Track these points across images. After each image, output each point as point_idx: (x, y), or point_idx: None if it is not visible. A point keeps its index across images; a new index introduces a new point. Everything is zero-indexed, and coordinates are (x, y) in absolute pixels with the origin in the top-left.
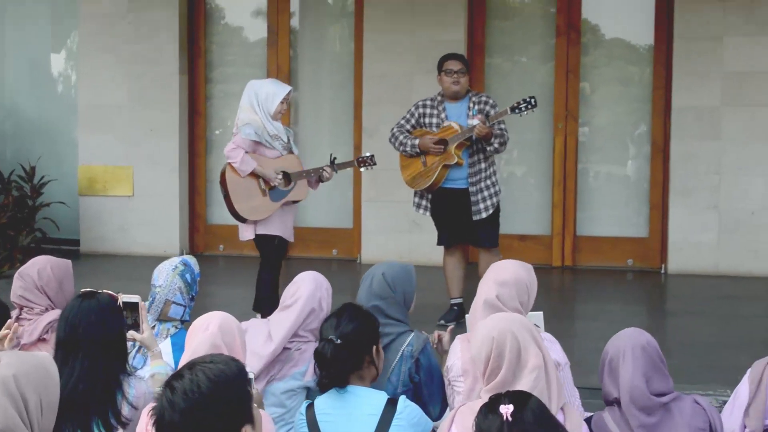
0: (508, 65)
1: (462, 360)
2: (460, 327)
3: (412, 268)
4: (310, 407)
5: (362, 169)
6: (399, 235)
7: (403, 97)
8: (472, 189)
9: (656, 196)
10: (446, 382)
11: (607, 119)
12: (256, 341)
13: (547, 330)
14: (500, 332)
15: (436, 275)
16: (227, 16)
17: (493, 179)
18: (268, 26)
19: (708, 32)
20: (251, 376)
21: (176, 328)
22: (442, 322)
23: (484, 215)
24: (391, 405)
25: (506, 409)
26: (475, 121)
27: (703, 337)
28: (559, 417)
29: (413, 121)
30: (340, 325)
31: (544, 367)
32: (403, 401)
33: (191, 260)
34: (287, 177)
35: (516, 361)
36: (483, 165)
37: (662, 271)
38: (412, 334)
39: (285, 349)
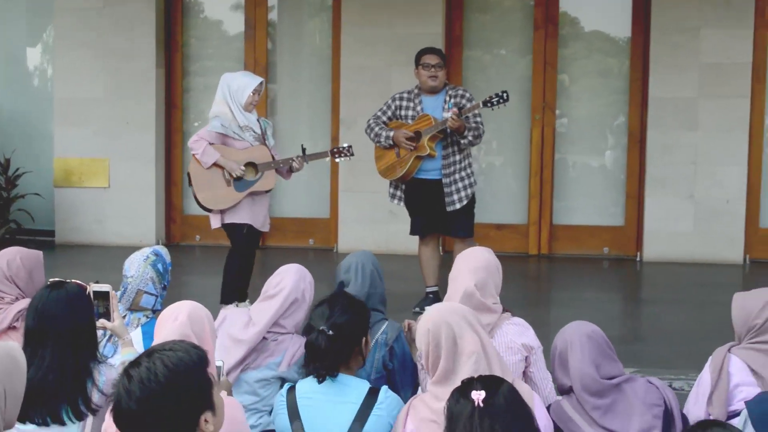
0: (486, 58)
1: None
2: None
3: None
4: (292, 390)
5: (338, 160)
6: (376, 225)
7: (381, 89)
8: (445, 180)
9: (632, 186)
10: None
11: (585, 110)
12: (235, 328)
13: (524, 317)
14: (434, 324)
15: (412, 264)
16: (205, 10)
17: (468, 171)
18: (246, 19)
19: (685, 24)
20: (219, 364)
21: (147, 317)
22: (417, 309)
23: (457, 206)
24: (372, 394)
25: (478, 395)
26: (448, 114)
27: (678, 325)
28: None
29: (389, 113)
30: (333, 316)
31: (483, 351)
32: (384, 391)
33: (163, 250)
34: (254, 167)
35: (453, 349)
36: (457, 157)
37: (638, 260)
38: (386, 322)
39: (262, 338)
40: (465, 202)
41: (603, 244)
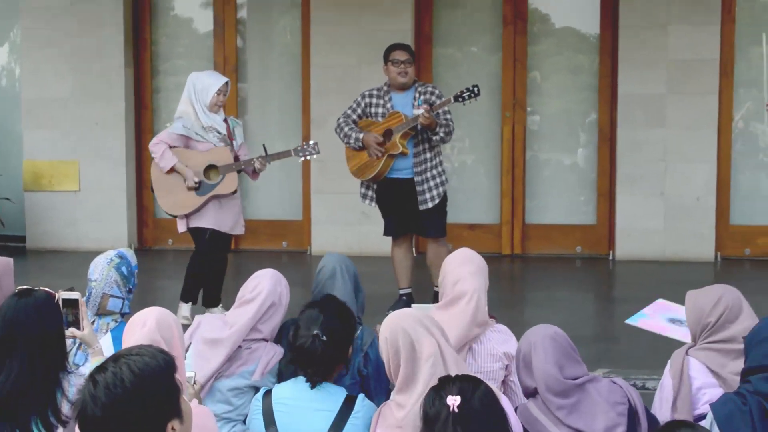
0: (457, 55)
1: None
2: None
3: None
4: (268, 395)
5: (303, 159)
6: (349, 227)
7: (351, 87)
8: (417, 179)
9: (603, 184)
10: None
11: (556, 108)
12: (211, 331)
13: (498, 318)
14: (391, 331)
15: (385, 266)
16: (175, 8)
17: (440, 169)
18: (215, 18)
19: (653, 21)
20: (191, 374)
21: (116, 321)
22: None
23: (430, 205)
24: (349, 402)
25: (453, 401)
26: (419, 111)
27: None
28: None
29: (359, 111)
30: (326, 321)
31: (440, 353)
32: (361, 400)
33: (128, 252)
34: (216, 170)
35: (412, 354)
36: (428, 155)
37: (610, 258)
38: (361, 327)
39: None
40: (437, 201)
41: (576, 243)
